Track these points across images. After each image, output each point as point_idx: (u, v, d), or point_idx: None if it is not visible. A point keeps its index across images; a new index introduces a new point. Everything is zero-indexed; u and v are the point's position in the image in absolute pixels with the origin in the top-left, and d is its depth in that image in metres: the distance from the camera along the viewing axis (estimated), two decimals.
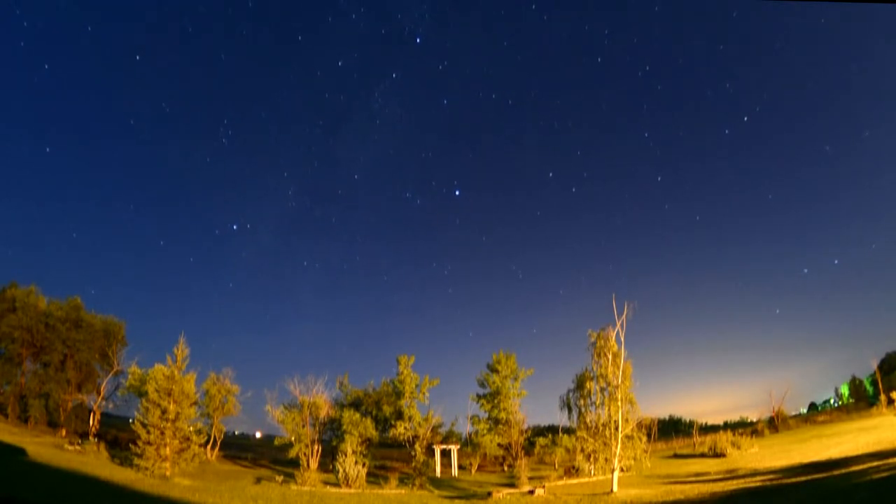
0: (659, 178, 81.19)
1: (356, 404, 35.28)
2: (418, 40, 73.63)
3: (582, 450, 23.83)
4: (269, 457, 39.68)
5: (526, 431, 39.45)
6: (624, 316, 20.18)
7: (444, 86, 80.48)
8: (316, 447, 30.99)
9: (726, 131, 77.68)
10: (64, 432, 32.65)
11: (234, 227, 71.61)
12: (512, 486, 23.85)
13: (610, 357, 20.57)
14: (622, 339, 20.40)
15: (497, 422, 37.70)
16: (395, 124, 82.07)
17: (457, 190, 78.01)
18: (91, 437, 30.01)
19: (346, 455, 23.15)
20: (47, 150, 65.41)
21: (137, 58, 70.55)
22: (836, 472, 16.75)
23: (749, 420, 63.81)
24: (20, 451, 20.98)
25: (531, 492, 20.01)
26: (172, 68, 76.51)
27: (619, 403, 20.20)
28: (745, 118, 75.51)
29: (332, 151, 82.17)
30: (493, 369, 39.11)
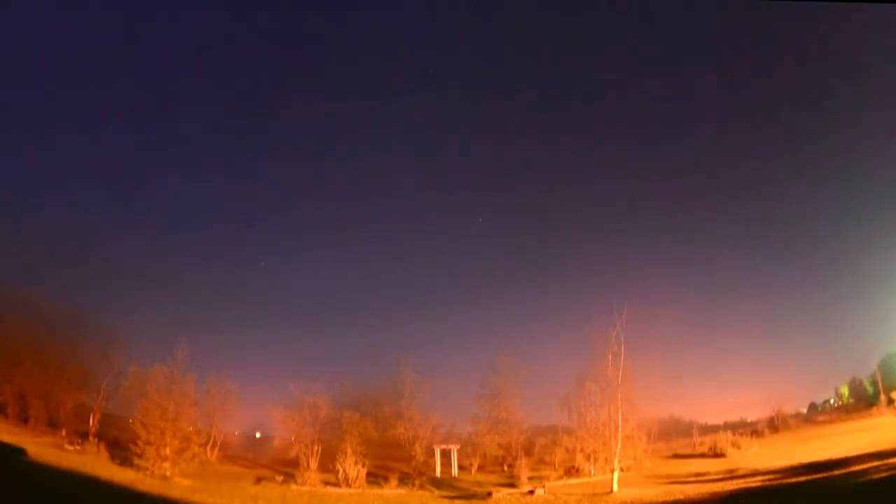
0: (670, 185, 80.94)
1: (356, 404, 35.26)
2: (430, 70, 73.94)
3: (582, 450, 23.86)
4: (269, 457, 39.61)
5: (526, 431, 39.44)
6: (624, 316, 20.25)
7: (458, 113, 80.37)
8: (316, 447, 30.96)
9: (737, 134, 77.44)
10: (64, 432, 32.56)
11: (263, 263, 71.21)
12: (512, 486, 23.85)
13: (610, 357, 20.62)
14: (622, 340, 20.47)
15: (497, 422, 37.70)
16: (410, 153, 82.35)
17: (479, 216, 78.01)
18: (91, 437, 29.97)
19: (346, 455, 23.17)
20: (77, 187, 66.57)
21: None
22: (836, 472, 16.76)
23: (749, 420, 63.64)
24: (20, 451, 20.97)
25: (531, 492, 20.04)
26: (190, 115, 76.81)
27: (619, 403, 20.25)
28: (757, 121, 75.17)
29: (346, 175, 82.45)
30: (493, 369, 39.11)
